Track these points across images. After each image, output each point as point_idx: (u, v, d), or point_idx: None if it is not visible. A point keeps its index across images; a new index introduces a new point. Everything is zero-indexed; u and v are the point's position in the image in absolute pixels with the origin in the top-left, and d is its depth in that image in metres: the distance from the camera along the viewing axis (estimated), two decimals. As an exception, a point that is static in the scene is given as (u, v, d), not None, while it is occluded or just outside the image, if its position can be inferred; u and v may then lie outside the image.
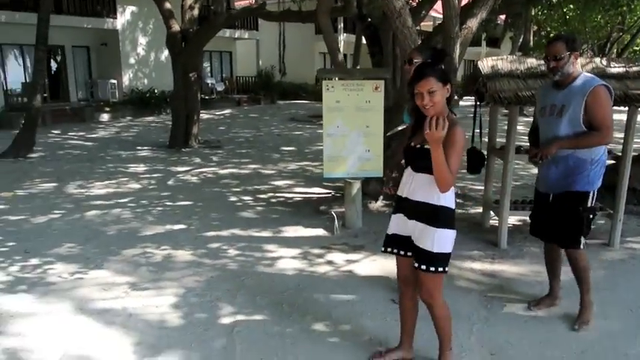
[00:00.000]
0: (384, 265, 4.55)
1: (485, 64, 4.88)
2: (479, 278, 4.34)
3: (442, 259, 2.68)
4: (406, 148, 2.79)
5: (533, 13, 16.97)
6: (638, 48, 19.67)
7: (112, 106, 17.82)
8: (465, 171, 4.46)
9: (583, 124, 3.33)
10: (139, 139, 12.81)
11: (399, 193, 2.86)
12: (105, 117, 17.27)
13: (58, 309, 3.75)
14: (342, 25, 24.95)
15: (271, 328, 3.48)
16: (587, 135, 3.33)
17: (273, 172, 8.90)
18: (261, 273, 4.45)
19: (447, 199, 2.65)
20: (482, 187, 6.07)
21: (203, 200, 6.88)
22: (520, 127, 7.00)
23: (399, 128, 6.10)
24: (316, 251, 4.97)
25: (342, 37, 26.23)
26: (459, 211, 6.24)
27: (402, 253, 2.85)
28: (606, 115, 3.31)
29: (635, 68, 4.77)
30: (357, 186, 5.54)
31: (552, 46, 3.41)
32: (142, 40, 19.84)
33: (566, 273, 3.90)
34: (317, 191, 7.43)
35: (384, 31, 11.88)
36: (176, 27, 11.01)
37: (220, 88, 22.43)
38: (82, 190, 7.41)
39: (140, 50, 19.84)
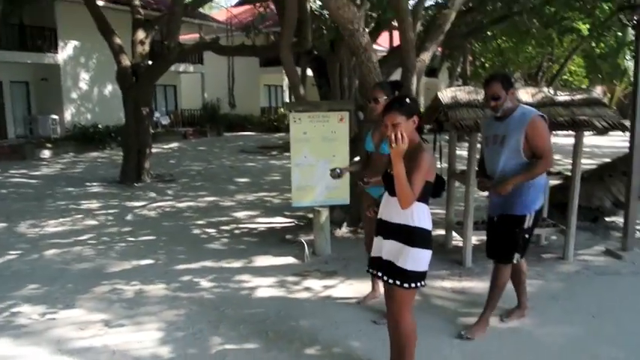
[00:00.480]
0: (360, 289, 4.70)
1: (446, 95, 5.22)
2: (450, 295, 4.56)
3: (415, 277, 2.87)
4: (384, 175, 3.00)
5: (469, 45, 17.95)
6: (565, 77, 21.15)
7: (53, 143, 17.28)
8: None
9: (523, 152, 3.62)
10: (87, 175, 12.49)
11: (378, 216, 3.07)
12: (46, 153, 16.71)
13: (35, 351, 3.66)
14: (286, 57, 25.36)
15: (261, 356, 3.54)
16: (535, 165, 3.61)
17: (232, 203, 8.94)
18: (240, 303, 4.49)
19: (423, 221, 2.86)
20: (442, 211, 6.40)
21: (166, 234, 6.83)
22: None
23: (356, 159, 6.34)
24: (290, 279, 5.06)
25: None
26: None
27: (382, 277, 2.99)
28: (546, 142, 3.63)
29: (578, 96, 5.25)
30: (325, 214, 5.70)
31: (490, 87, 3.69)
32: (85, 75, 19.47)
33: (531, 285, 4.18)
34: (279, 221, 7.54)
35: (330, 64, 12.30)
36: (127, 62, 10.97)
37: (165, 121, 22.22)
38: (36, 229, 7.19)
39: (82, 85, 19.44)
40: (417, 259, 2.85)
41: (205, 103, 24.53)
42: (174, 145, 19.12)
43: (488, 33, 13.97)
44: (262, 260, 5.65)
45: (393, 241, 2.91)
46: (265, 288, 4.83)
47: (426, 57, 6.86)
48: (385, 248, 2.96)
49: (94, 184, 11.08)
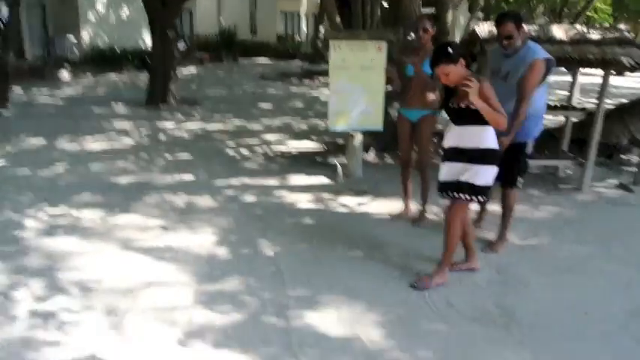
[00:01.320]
0: (390, 206, 5.18)
1: (483, 29, 5.45)
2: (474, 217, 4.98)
3: (481, 191, 3.39)
4: (447, 108, 3.49)
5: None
6: (589, 14, 20.77)
7: (72, 64, 17.45)
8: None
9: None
10: (111, 96, 12.75)
11: (446, 145, 3.52)
12: (65, 74, 16.90)
13: (105, 248, 4.15)
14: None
15: (309, 257, 4.03)
16: (519, 108, 3.87)
17: (259, 127, 9.30)
18: (284, 214, 4.96)
19: (490, 142, 3.34)
20: None
21: (201, 153, 7.26)
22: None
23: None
24: (326, 195, 5.52)
25: (305, -4, 26.27)
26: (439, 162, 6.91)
27: (451, 195, 3.51)
28: (530, 87, 3.84)
29: (610, 35, 5.45)
30: (359, 138, 6.08)
31: (503, 26, 3.91)
32: (101, -5, 19.35)
33: (548, 211, 4.61)
34: (307, 145, 7.93)
35: (352, -8, 12.24)
36: (153, -16, 11.00)
37: (182, 46, 22.17)
38: (75, 145, 7.60)
39: (99, 6, 19.33)
40: (485, 175, 3.37)
41: (222, 29, 24.35)
42: (192, 70, 19.24)
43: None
44: (297, 179, 6.09)
45: (459, 163, 3.42)
46: (303, 202, 5.30)
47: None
48: (453, 170, 3.45)
49: (120, 105, 11.41)
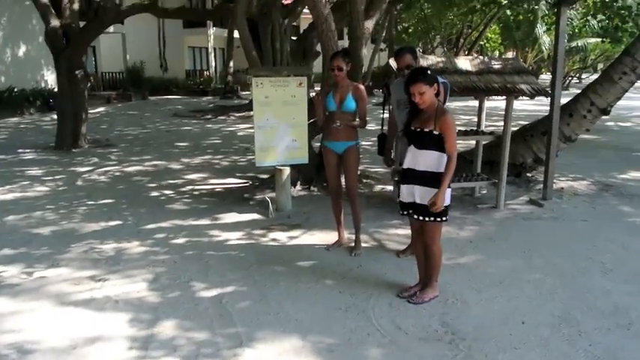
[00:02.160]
0: (323, 238, 5.31)
1: (395, 63, 5.80)
2: (406, 240, 5.23)
3: (442, 212, 3.65)
4: (407, 131, 3.71)
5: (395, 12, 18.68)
6: (482, 43, 22.51)
7: (-36, 108, 16.32)
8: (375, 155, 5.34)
9: None
10: (16, 141, 12.08)
11: (405, 166, 3.77)
12: (-43, 120, 15.79)
13: (39, 305, 3.93)
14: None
15: (253, 295, 4.05)
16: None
17: (180, 166, 9.19)
18: (220, 254, 4.94)
19: (444, 166, 3.60)
20: (378, 169, 7.11)
21: (124, 197, 7.05)
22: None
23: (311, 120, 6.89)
24: (259, 232, 5.56)
25: (212, 32, 26.38)
26: (368, 190, 7.20)
27: (413, 216, 3.80)
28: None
29: (510, 66, 6.01)
30: (286, 172, 6.20)
31: (402, 57, 4.51)
32: (-5, 36, 18.35)
33: (471, 230, 4.96)
34: (232, 181, 7.94)
35: (262, 27, 12.56)
36: (56, 22, 10.63)
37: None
38: (-17, 197, 7.14)
39: (-7, 45, 18.33)
40: (446, 196, 3.62)
41: (129, 66, 23.81)
42: (100, 109, 18.61)
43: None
44: (228, 217, 6.08)
45: (424, 186, 3.64)
46: (238, 240, 5.31)
47: (370, 25, 7.37)
48: (417, 193, 3.69)
49: (27, 150, 10.81)
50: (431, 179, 3.64)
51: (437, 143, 3.58)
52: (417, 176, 3.71)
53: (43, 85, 19.25)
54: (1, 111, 16.84)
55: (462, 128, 7.46)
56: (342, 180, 5.00)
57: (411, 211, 3.82)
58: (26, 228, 5.77)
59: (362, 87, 4.81)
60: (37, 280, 4.39)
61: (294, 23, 12.34)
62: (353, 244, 4.99)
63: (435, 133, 3.56)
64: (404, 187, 3.82)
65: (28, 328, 3.58)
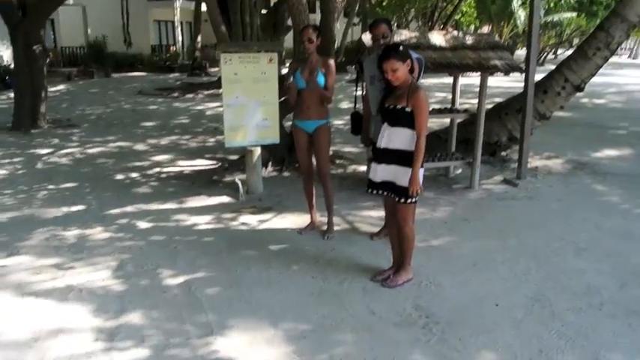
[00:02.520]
0: (295, 221, 5.31)
1: (367, 38, 5.75)
2: (380, 222, 5.25)
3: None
4: (381, 108, 3.70)
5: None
6: (458, 17, 22.54)
7: None
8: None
9: None
10: (-31, 122, 11.72)
11: (378, 145, 3.73)
12: None
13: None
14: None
15: (224, 282, 4.03)
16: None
17: (146, 147, 9.03)
18: (188, 240, 4.89)
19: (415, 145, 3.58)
20: (352, 149, 7.10)
21: (88, 180, 6.91)
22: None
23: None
24: (229, 215, 5.52)
25: (178, 4, 25.83)
26: (341, 171, 7.20)
27: (385, 193, 3.79)
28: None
29: (484, 41, 6.02)
30: (257, 153, 6.15)
31: (378, 27, 4.39)
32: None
33: (445, 211, 5.01)
34: (202, 163, 7.85)
35: (231, 0, 12.31)
36: (10, -6, 10.26)
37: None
38: (-64, 182, 6.92)
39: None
40: (419, 176, 3.62)
41: (90, 41, 23.18)
42: (60, 87, 18.12)
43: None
44: (196, 201, 6.02)
45: (395, 165, 3.64)
46: (207, 225, 5.26)
47: (340, -1, 7.31)
48: (388, 171, 3.69)
49: (-18, 131, 10.50)
50: (404, 158, 3.64)
51: (410, 120, 3.58)
52: (390, 154, 3.70)
53: (14, 62, 18.61)
54: (-48, 89, 16.31)
55: (437, 106, 7.50)
56: (314, 160, 4.98)
57: (380, 191, 3.82)
58: (-18, 214, 5.61)
59: (331, 61, 4.77)
60: (-5, 270, 4.29)
61: (264, -2, 12.20)
62: (326, 227, 4.99)
63: (408, 110, 3.56)
64: (376, 166, 3.81)
65: (-14, 321, 3.50)
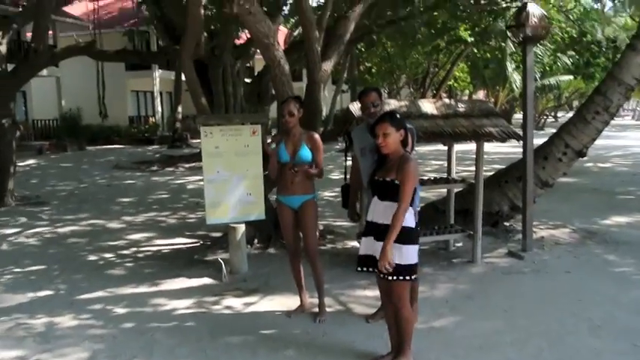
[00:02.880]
0: (284, 303, 5.24)
1: (356, 107, 5.92)
2: (375, 303, 5.18)
3: (407, 269, 3.63)
4: (371, 181, 3.78)
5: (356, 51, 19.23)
6: (450, 82, 23.28)
7: None
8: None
9: None
10: None
11: (368, 219, 3.78)
12: None
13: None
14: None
15: (205, 373, 3.92)
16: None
17: (121, 225, 9.01)
18: (166, 327, 4.79)
19: (408, 221, 3.62)
20: (343, 223, 7.12)
21: (57, 262, 6.83)
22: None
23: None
24: (211, 299, 5.44)
25: (157, 74, 26.51)
26: (331, 246, 7.18)
27: (375, 271, 3.73)
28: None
29: (477, 108, 6.22)
30: (241, 230, 6.14)
31: (368, 96, 4.59)
32: None
33: (447, 288, 4.97)
34: (181, 241, 7.81)
35: (213, 69, 12.72)
36: (-20, 67, 10.53)
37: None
38: None
39: None
40: (407, 254, 3.61)
41: (64, 113, 23.57)
42: (30, 161, 18.22)
43: (375, 38, 15.21)
44: (175, 283, 5.94)
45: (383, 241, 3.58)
46: (187, 310, 5.17)
47: (328, 67, 7.53)
48: (376, 247, 3.66)
49: (-57, 211, 10.45)
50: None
51: (395, 193, 3.62)
52: (378, 229, 3.71)
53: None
54: None
55: (433, 175, 7.61)
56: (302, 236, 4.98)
57: (371, 269, 3.79)
58: (-61, 303, 5.49)
59: (317, 136, 4.83)
60: (-51, 366, 4.16)
61: (248, 64, 12.54)
62: (317, 309, 4.93)
63: (397, 182, 3.61)
64: (364, 240, 3.82)
65: None
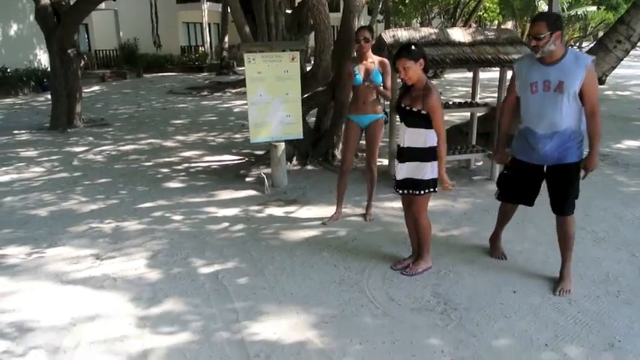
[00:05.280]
0: (319, 212, 5.38)
1: (388, 35, 5.79)
2: (400, 213, 5.28)
3: (431, 183, 3.74)
4: (397, 107, 3.78)
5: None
6: (481, 13, 22.26)
7: (-42, 89, 16.28)
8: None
9: (579, 98, 3.45)
10: (11, 122, 12.07)
11: (398, 143, 3.84)
12: (-48, 101, 15.76)
13: (38, 285, 4.00)
14: (204, -7, 24.82)
15: (250, 270, 4.12)
16: (595, 122, 3.50)
17: (175, 144, 9.20)
18: (216, 230, 5.00)
19: (431, 141, 3.67)
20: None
21: (121, 176, 7.10)
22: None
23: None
24: (255, 207, 5.62)
25: (206, 7, 26.09)
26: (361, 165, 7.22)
27: (407, 191, 3.86)
28: (597, 93, 3.50)
29: (503, 36, 6.00)
30: (281, 148, 6.23)
31: (534, 25, 3.44)
32: (-16, 14, 18.16)
33: (467, 202, 5.01)
34: (228, 158, 7.97)
35: (256, 1, 12.45)
36: (46, 0, 10.54)
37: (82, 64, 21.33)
38: (-20, 179, 7.19)
39: (-17, 25, 18.16)
40: (432, 169, 3.71)
41: (122, 43, 23.61)
42: (95, 88, 18.52)
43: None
44: (224, 194, 6.13)
45: (412, 162, 3.73)
46: (234, 217, 5.36)
47: (364, -3, 7.31)
48: (407, 169, 3.77)
49: (23, 131, 10.82)
50: (423, 153, 3.71)
51: (424, 121, 3.65)
52: (410, 152, 3.77)
53: (36, 64, 19.11)
54: (-4, 91, 16.82)
55: (458, 100, 7.48)
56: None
57: (405, 191, 3.87)
58: (24, 209, 5.82)
59: (387, 61, 4.91)
60: (35, 260, 4.46)
61: (287, -1, 12.24)
62: (364, 213, 5.22)
63: (423, 112, 3.61)
64: (398, 165, 3.88)
65: (27, 306, 3.66)
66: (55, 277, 4.11)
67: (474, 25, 23.86)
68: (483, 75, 6.91)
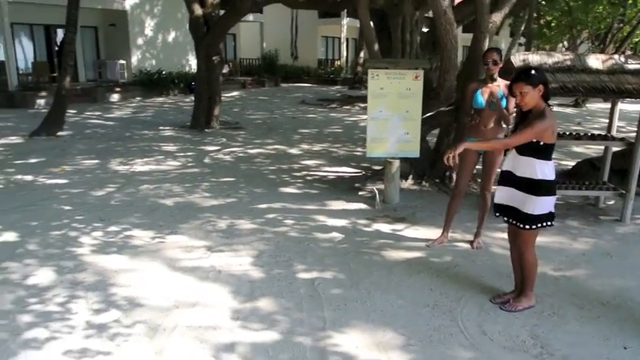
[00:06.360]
0: (426, 234, 5.26)
1: (518, 59, 5.54)
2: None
3: (541, 219, 3.53)
4: (513, 133, 3.63)
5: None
6: (637, 39, 20.41)
7: (121, 87, 18.26)
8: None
9: None
10: (158, 119, 13.35)
11: (504, 168, 3.69)
12: (115, 97, 17.72)
13: (152, 267, 4.39)
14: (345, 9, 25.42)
15: (345, 282, 4.16)
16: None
17: (299, 152, 9.55)
18: (321, 238, 5.11)
19: (546, 174, 3.48)
20: None
21: (244, 177, 7.52)
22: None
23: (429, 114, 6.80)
24: (363, 221, 5.65)
25: (345, 22, 26.77)
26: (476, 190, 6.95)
27: (508, 220, 3.71)
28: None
29: (649, 65, 5.47)
30: (396, 165, 6.21)
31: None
32: (150, 22, 20.21)
33: (587, 243, 4.61)
34: (346, 170, 8.10)
35: (392, 17, 12.53)
36: (199, 11, 11.50)
37: (225, 70, 22.91)
38: (126, 167, 8.00)
39: (148, 31, 20.21)
40: (542, 205, 3.50)
41: (264, 53, 25.00)
42: (235, 93, 19.83)
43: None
44: (336, 205, 6.24)
45: (519, 191, 3.56)
46: (341, 228, 5.44)
47: (497, 18, 7.04)
48: (512, 196, 3.62)
49: (167, 128, 11.90)
50: (528, 185, 3.51)
51: (534, 150, 3.45)
52: (514, 180, 3.60)
53: (187, 69, 20.89)
54: (151, 91, 18.69)
55: (597, 132, 6.95)
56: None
57: (504, 217, 3.72)
58: (155, 197, 6.39)
59: None
60: (156, 244, 4.88)
61: (427, 14, 12.13)
62: (472, 240, 5.05)
63: (538, 142, 3.42)
64: (500, 189, 3.71)
65: (141, 284, 4.03)
66: (169, 262, 4.46)
67: (629, 54, 21.93)
68: (629, 107, 6.31)
